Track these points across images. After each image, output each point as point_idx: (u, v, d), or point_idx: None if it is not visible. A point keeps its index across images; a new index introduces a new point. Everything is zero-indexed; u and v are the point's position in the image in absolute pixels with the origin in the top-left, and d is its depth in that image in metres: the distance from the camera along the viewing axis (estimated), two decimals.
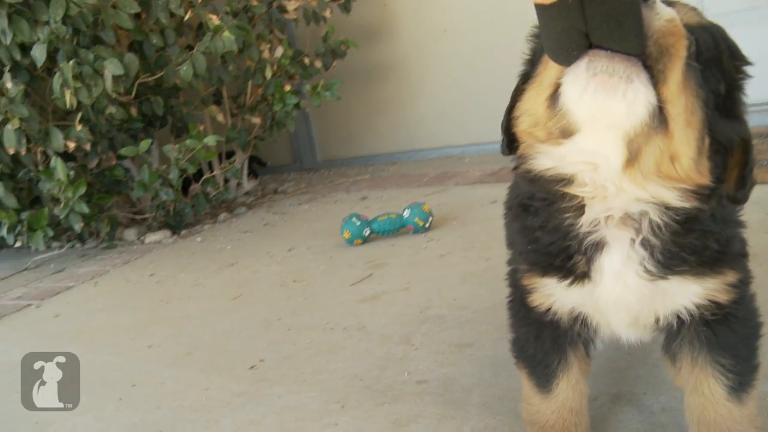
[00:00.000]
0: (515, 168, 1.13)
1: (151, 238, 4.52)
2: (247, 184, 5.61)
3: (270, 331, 2.29)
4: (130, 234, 4.66)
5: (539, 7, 0.88)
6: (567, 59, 0.89)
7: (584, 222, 1.05)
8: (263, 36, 4.78)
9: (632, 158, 0.94)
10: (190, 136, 4.19)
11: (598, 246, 1.07)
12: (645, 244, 1.05)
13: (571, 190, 1.02)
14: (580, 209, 1.05)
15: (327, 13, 5.02)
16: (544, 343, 1.24)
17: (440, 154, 5.68)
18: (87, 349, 2.42)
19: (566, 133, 0.96)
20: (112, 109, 3.96)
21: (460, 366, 1.76)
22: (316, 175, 6.12)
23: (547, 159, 1.03)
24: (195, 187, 4.74)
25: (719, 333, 1.12)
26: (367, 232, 3.19)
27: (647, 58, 0.87)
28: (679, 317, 1.12)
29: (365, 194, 4.57)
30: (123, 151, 4.02)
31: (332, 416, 1.63)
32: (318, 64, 5.05)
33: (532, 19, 0.95)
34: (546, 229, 1.11)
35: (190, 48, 4.34)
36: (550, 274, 1.14)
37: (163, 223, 4.65)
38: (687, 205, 1.00)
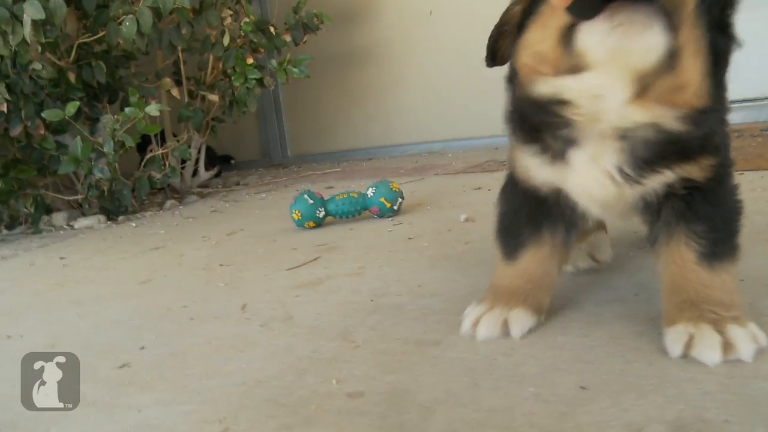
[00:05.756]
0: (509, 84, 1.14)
1: (83, 223, 3.90)
2: (204, 174, 5.00)
3: (166, 320, 1.67)
4: (59, 219, 4.04)
5: None
6: (586, 14, 0.87)
7: (568, 131, 1.06)
8: (226, 2, 4.21)
9: (639, 93, 0.94)
10: (130, 103, 3.58)
11: (573, 141, 1.07)
12: (623, 152, 1.04)
13: (567, 112, 1.02)
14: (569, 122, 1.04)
15: None
16: (521, 216, 1.24)
17: (421, 149, 5.10)
18: None
19: (574, 70, 0.95)
20: (37, 65, 3.36)
21: (417, 372, 1.14)
22: (285, 171, 5.52)
23: (547, 86, 1.02)
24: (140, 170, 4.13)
25: (694, 205, 1.09)
26: (321, 212, 2.58)
27: (663, 5, 0.85)
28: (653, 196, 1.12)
29: (332, 184, 3.97)
30: (46, 114, 3.39)
31: None
32: (287, 37, 4.47)
33: None
34: (529, 102, 1.07)
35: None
36: (529, 143, 1.14)
37: (99, 207, 4.03)
38: (681, 128, 0.99)
